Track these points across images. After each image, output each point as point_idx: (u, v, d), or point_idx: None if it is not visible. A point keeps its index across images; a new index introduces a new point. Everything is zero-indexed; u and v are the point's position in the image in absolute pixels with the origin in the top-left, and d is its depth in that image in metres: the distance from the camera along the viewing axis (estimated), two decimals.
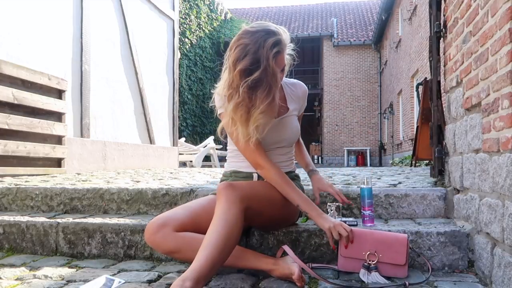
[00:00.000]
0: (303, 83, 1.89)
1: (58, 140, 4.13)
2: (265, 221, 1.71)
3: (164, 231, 1.49)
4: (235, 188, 1.49)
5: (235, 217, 1.44)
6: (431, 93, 2.34)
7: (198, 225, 1.54)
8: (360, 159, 18.57)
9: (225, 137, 1.76)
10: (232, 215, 1.43)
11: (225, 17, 16.67)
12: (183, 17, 12.85)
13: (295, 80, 1.89)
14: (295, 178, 1.85)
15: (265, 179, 1.71)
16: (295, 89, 1.85)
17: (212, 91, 1.75)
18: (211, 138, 9.79)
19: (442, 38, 2.18)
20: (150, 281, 1.55)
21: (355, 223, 1.81)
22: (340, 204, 1.85)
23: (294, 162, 1.92)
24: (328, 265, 1.68)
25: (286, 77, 1.86)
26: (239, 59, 1.51)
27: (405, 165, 8.43)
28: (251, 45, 1.50)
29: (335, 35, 19.66)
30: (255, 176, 1.76)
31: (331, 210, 1.83)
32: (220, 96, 1.66)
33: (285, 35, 1.61)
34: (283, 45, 1.57)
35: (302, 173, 2.19)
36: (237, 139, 1.65)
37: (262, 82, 1.50)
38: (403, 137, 13.83)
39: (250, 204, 1.51)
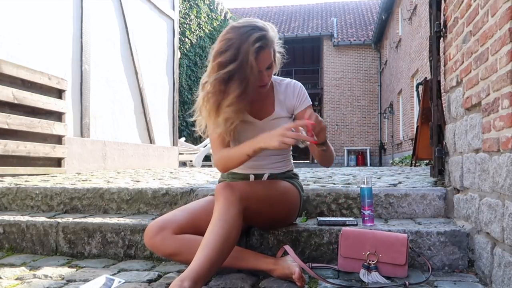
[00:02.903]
0: (296, 81, 1.82)
1: (58, 139, 4.13)
2: (264, 220, 1.71)
3: (163, 234, 1.49)
4: (233, 189, 1.49)
5: (233, 217, 1.44)
6: (431, 93, 2.33)
7: (198, 227, 1.54)
8: (360, 159, 18.57)
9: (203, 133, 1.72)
10: (231, 216, 1.43)
11: (225, 17, 16.67)
12: (183, 16, 12.85)
13: (289, 80, 1.82)
14: (293, 176, 1.84)
15: (217, 167, 1.69)
16: (286, 89, 1.77)
17: None
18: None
19: (442, 38, 2.18)
20: (150, 281, 1.55)
21: (355, 223, 1.81)
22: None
23: (292, 162, 1.90)
24: (328, 265, 1.68)
25: (285, 77, 1.84)
26: (221, 52, 1.51)
27: (405, 165, 8.43)
28: (235, 39, 1.50)
29: (335, 35, 19.66)
30: (251, 177, 1.76)
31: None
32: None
33: (272, 32, 1.58)
34: (267, 41, 1.54)
35: (302, 173, 2.19)
36: (207, 130, 1.64)
37: (234, 76, 1.49)
38: (403, 137, 13.83)
39: (248, 204, 1.51)
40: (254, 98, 1.70)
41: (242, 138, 1.66)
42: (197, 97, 1.66)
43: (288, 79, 1.83)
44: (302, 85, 1.82)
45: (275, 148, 1.45)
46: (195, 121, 1.69)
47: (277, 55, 1.65)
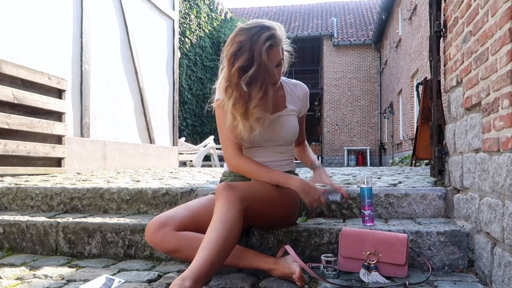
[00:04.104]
0: (304, 85, 1.90)
1: (58, 139, 4.13)
2: (264, 221, 1.71)
3: (164, 231, 1.50)
4: (234, 189, 1.49)
5: (234, 217, 1.44)
6: (431, 93, 2.33)
7: (199, 224, 1.54)
8: (360, 158, 18.57)
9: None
10: (231, 216, 1.43)
11: (225, 16, 16.66)
12: (183, 16, 12.85)
13: (297, 81, 1.90)
14: None
15: (230, 168, 1.77)
16: (295, 89, 1.85)
17: (212, 91, 1.76)
18: (211, 137, 9.78)
19: (442, 38, 2.18)
20: (150, 281, 1.55)
21: (338, 198, 1.71)
22: (332, 259, 1.60)
23: (294, 162, 1.91)
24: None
25: (285, 76, 1.86)
26: (236, 56, 1.55)
27: (405, 164, 8.43)
28: (246, 41, 1.54)
29: (335, 35, 19.65)
30: None
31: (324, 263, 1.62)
32: (219, 89, 1.70)
33: (280, 30, 1.64)
34: (276, 39, 1.59)
35: (302, 173, 2.19)
36: (240, 133, 1.66)
37: (256, 78, 1.55)
38: (403, 136, 13.83)
39: (249, 204, 1.51)
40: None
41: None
42: (215, 89, 1.72)
43: (294, 80, 1.90)
44: (308, 90, 1.91)
45: (292, 187, 1.66)
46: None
47: (285, 53, 1.70)
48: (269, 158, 1.77)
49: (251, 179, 1.72)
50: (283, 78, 1.84)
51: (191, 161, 8.87)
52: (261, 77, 1.55)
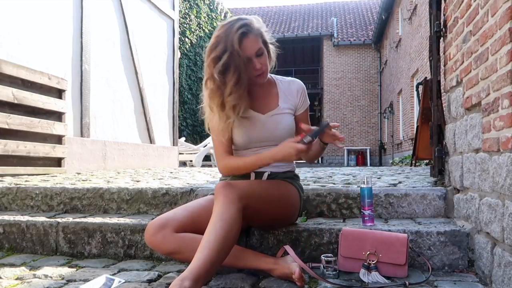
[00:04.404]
0: (299, 80, 1.87)
1: (58, 139, 4.13)
2: (264, 220, 1.71)
3: (164, 232, 1.50)
4: (233, 187, 1.49)
5: (233, 216, 1.43)
6: (431, 93, 2.33)
7: (198, 225, 1.54)
8: (360, 158, 18.57)
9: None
10: (230, 214, 1.43)
11: (225, 16, 16.66)
12: (183, 16, 12.85)
13: (292, 78, 1.88)
14: (293, 177, 1.84)
15: (222, 173, 1.78)
16: (289, 86, 1.82)
17: None
18: (211, 137, 9.77)
19: (442, 38, 2.17)
20: (150, 281, 1.55)
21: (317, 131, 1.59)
22: (332, 259, 1.59)
23: (294, 162, 1.90)
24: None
25: (283, 76, 1.86)
26: (212, 48, 1.59)
27: (405, 164, 8.43)
28: (222, 34, 1.59)
29: (335, 35, 19.65)
30: (252, 175, 1.76)
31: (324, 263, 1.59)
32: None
33: (258, 23, 1.65)
34: (250, 27, 1.60)
35: (302, 173, 2.18)
36: (217, 126, 1.67)
37: (229, 65, 1.56)
38: (403, 136, 13.83)
39: (248, 203, 1.51)
40: (257, 93, 1.74)
41: (246, 132, 1.71)
42: (202, 97, 1.72)
43: (289, 78, 1.88)
44: (304, 86, 1.87)
45: (291, 158, 1.56)
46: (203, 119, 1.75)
47: (271, 47, 1.70)
48: None
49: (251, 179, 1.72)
50: (277, 77, 1.84)
51: (191, 161, 8.87)
52: (234, 65, 1.56)
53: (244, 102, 1.64)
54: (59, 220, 2.05)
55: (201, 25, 14.50)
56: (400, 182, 2.63)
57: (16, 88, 3.59)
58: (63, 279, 1.59)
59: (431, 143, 2.30)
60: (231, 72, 1.56)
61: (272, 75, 1.83)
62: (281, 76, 1.86)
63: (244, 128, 1.71)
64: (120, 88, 5.55)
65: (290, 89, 1.81)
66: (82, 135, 4.69)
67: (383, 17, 16.16)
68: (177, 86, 7.34)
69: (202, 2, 14.54)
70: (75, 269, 1.73)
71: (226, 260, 1.44)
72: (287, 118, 1.77)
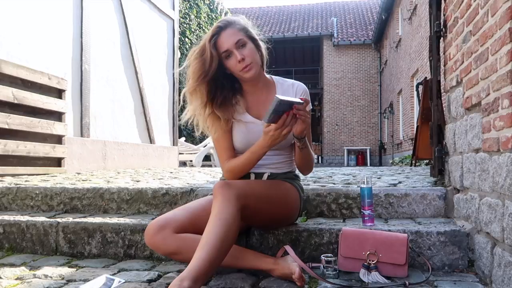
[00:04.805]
0: (302, 84, 1.80)
1: (58, 139, 4.13)
2: (263, 220, 1.70)
3: (164, 233, 1.49)
4: (231, 187, 1.49)
5: (231, 215, 1.43)
6: (431, 93, 2.33)
7: (198, 226, 1.54)
8: (360, 158, 18.58)
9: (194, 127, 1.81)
10: (229, 214, 1.43)
11: (225, 16, 16.65)
12: (183, 16, 12.85)
13: (294, 81, 1.81)
14: (294, 178, 1.84)
15: (228, 178, 1.73)
16: (289, 89, 1.76)
17: None
18: (211, 137, 9.75)
19: (442, 38, 2.18)
20: (150, 281, 1.55)
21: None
22: (332, 259, 1.59)
23: (294, 163, 1.88)
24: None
25: (285, 76, 1.85)
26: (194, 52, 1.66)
27: (405, 164, 8.43)
28: (204, 38, 1.64)
29: (335, 35, 19.66)
30: (252, 176, 1.76)
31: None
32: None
33: (242, 19, 1.67)
34: (227, 21, 1.63)
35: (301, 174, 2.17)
36: (201, 126, 1.73)
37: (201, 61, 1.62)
38: (403, 136, 13.83)
39: (247, 202, 1.51)
40: (255, 97, 1.72)
41: (245, 138, 1.70)
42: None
43: (292, 80, 1.82)
44: (306, 88, 1.80)
45: (273, 142, 1.52)
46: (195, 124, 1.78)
47: (261, 43, 1.69)
48: (268, 160, 1.75)
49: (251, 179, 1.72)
50: (278, 78, 1.80)
51: (191, 161, 8.86)
52: (204, 58, 1.60)
53: (228, 113, 1.69)
54: (59, 220, 2.05)
55: (201, 25, 14.50)
56: (400, 182, 2.63)
57: (16, 88, 3.59)
58: (63, 279, 1.59)
59: (431, 143, 2.30)
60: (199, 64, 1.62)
61: (273, 76, 1.81)
62: (282, 78, 1.81)
63: (242, 133, 1.71)
64: (120, 88, 5.55)
65: (292, 92, 1.75)
66: (82, 135, 4.69)
67: (383, 17, 16.16)
68: (177, 86, 7.34)
69: (202, 2, 14.54)
70: (75, 269, 1.73)
71: (226, 260, 1.43)
72: None
